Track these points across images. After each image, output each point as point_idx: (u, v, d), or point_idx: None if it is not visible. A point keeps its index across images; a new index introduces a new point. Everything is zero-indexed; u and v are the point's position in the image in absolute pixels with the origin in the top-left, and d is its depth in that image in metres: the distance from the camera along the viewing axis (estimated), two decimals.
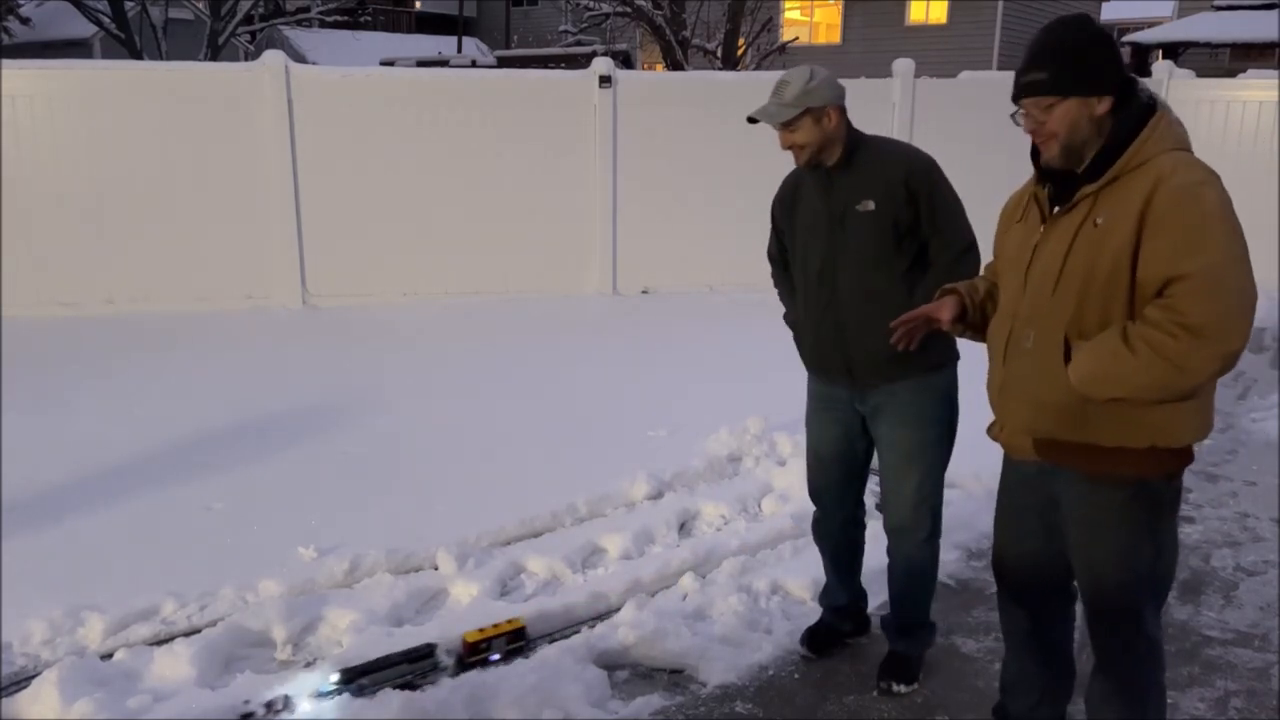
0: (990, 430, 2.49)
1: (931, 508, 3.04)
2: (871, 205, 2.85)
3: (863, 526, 3.29)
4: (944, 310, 2.51)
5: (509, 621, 3.27)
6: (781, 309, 3.30)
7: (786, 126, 2.86)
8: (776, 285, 3.29)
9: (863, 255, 2.89)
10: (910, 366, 2.88)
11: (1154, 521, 2.27)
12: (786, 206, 3.10)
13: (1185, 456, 2.25)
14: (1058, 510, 2.38)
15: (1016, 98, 2.21)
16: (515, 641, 3.25)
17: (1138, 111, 2.17)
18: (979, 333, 2.54)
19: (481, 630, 3.22)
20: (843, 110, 2.89)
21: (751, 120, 2.91)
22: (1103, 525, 2.29)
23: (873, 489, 3.33)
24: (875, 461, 3.13)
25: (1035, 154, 2.31)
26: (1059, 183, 2.26)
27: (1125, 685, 2.39)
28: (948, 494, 4.42)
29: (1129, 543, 2.27)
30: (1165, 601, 2.39)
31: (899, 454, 3.00)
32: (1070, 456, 2.28)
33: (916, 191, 2.83)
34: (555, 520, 4.22)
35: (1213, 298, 1.99)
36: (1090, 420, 2.21)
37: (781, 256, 3.20)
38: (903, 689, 3.10)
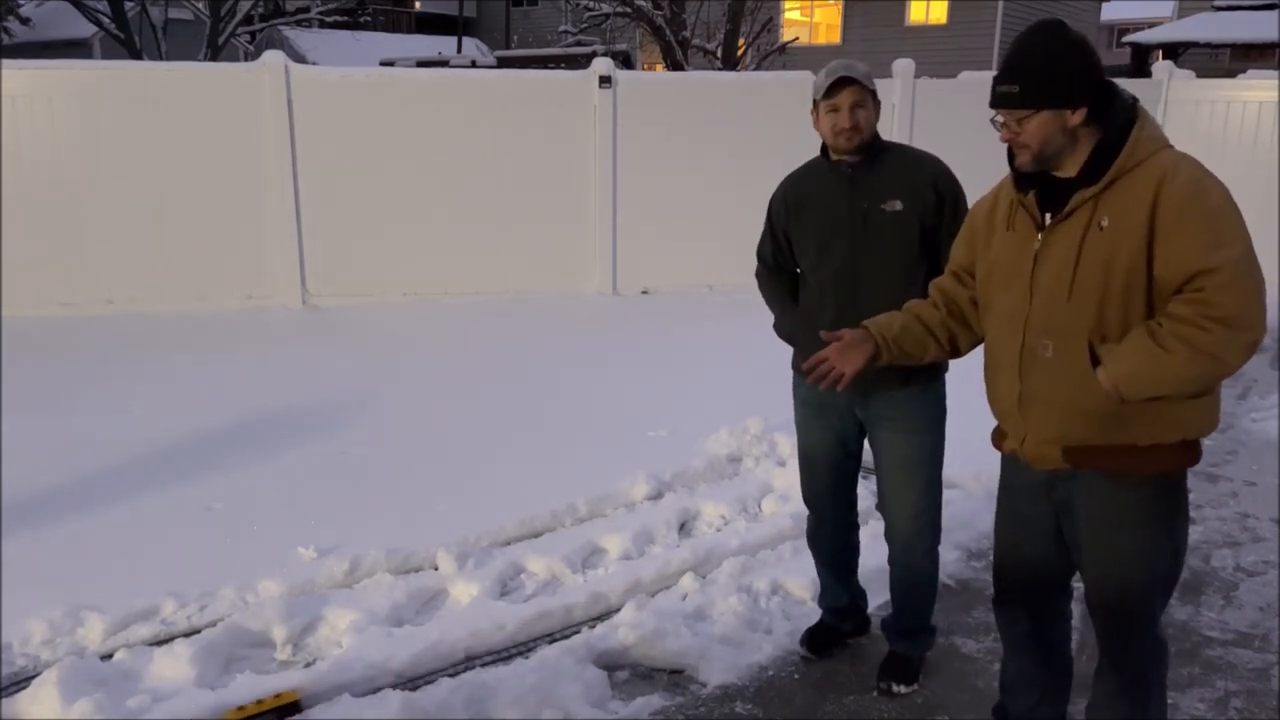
0: (1002, 443, 2.45)
1: (932, 516, 3.03)
2: (899, 205, 2.83)
3: (857, 528, 3.29)
4: (859, 357, 2.49)
5: (276, 696, 2.95)
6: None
7: (857, 99, 2.80)
8: (761, 286, 3.23)
9: (888, 256, 2.86)
10: (915, 374, 2.87)
11: (1172, 519, 2.29)
12: (789, 206, 3.03)
13: (1198, 449, 2.27)
14: (1069, 514, 2.36)
15: (992, 105, 2.22)
16: (287, 715, 2.93)
17: (1124, 113, 2.18)
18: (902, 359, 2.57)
19: (242, 709, 2.90)
20: None
21: (833, 89, 2.79)
22: (1125, 526, 2.28)
23: (871, 489, 3.33)
24: (867, 461, 3.13)
25: (1012, 158, 2.30)
26: (1046, 189, 2.25)
27: (1131, 685, 2.39)
28: (948, 494, 4.44)
29: (1150, 542, 2.28)
30: (1167, 603, 2.39)
31: (899, 461, 2.98)
32: (1101, 459, 2.26)
33: (944, 196, 2.84)
34: (555, 520, 4.22)
35: (1240, 289, 2.03)
36: (1126, 421, 2.20)
37: (775, 259, 3.14)
38: (903, 689, 3.10)
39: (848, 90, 2.80)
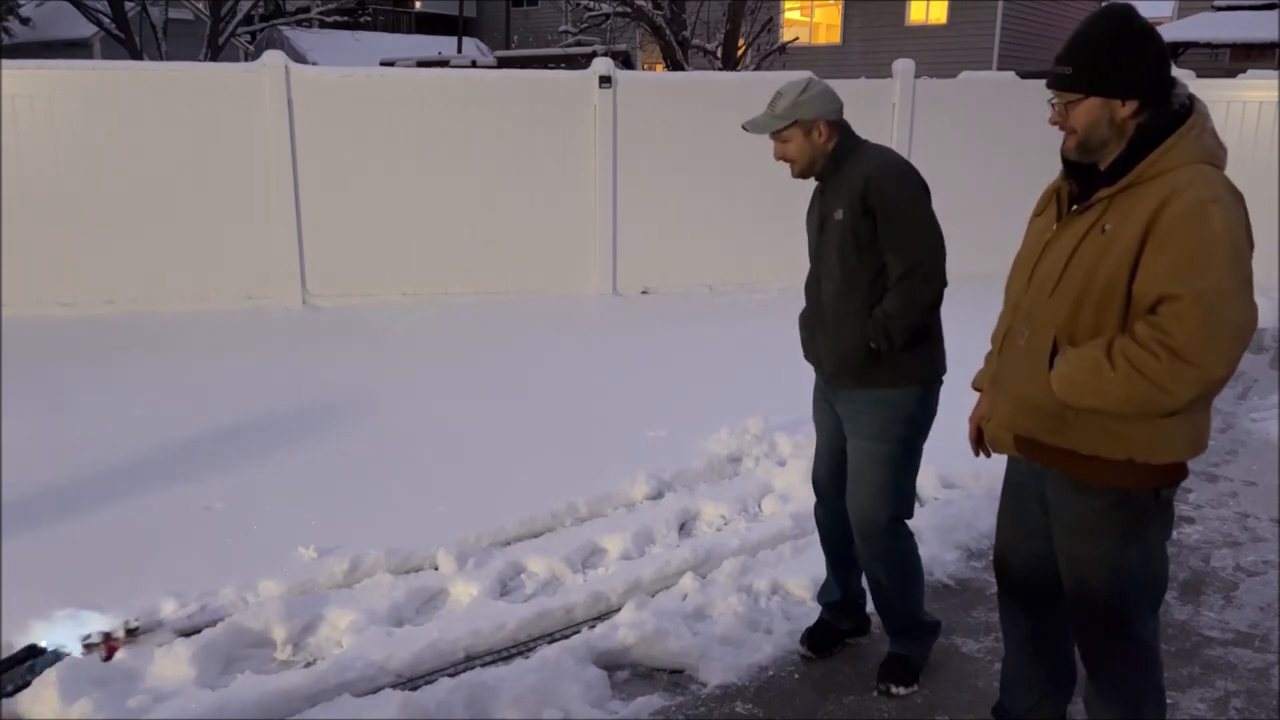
0: (983, 423, 2.52)
1: (882, 522, 3.00)
2: (840, 214, 2.88)
3: None
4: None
5: None
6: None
7: (776, 137, 2.92)
8: None
9: (834, 264, 2.93)
10: (873, 377, 2.90)
11: (1137, 530, 2.25)
12: (807, 210, 3.16)
13: (1172, 472, 2.21)
14: (1049, 514, 2.38)
15: (1046, 85, 2.22)
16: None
17: (1167, 118, 2.12)
18: None
19: None
20: (835, 124, 2.90)
21: (745, 129, 2.97)
22: (1085, 530, 2.29)
23: None
24: None
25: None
26: (1082, 180, 2.25)
27: (1116, 688, 2.38)
28: (948, 494, 4.45)
29: (1111, 548, 2.27)
30: (1159, 605, 2.38)
31: (853, 464, 3.02)
32: (1048, 458, 2.29)
33: (873, 206, 2.82)
34: (555, 520, 4.22)
35: (1201, 323, 1.97)
36: (1069, 426, 2.21)
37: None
38: (901, 690, 3.09)
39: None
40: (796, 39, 20.37)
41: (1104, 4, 2.25)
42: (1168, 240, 2.02)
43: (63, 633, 3.25)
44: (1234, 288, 1.99)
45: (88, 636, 3.22)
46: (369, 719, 2.86)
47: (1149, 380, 2.02)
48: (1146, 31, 2.14)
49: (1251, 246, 2.07)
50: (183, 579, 3.61)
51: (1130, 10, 2.16)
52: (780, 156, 2.96)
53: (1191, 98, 2.17)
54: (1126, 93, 2.12)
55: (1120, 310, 2.12)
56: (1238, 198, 2.07)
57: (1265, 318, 7.59)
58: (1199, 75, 9.34)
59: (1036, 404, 2.25)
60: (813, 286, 3.07)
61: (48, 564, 3.75)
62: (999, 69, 19.07)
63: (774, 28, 20.40)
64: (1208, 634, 3.45)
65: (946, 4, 22.20)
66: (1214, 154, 2.13)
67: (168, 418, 5.37)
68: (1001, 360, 2.39)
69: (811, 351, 3.11)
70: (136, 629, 3.30)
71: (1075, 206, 2.25)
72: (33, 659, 3.12)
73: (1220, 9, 19.85)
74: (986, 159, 8.74)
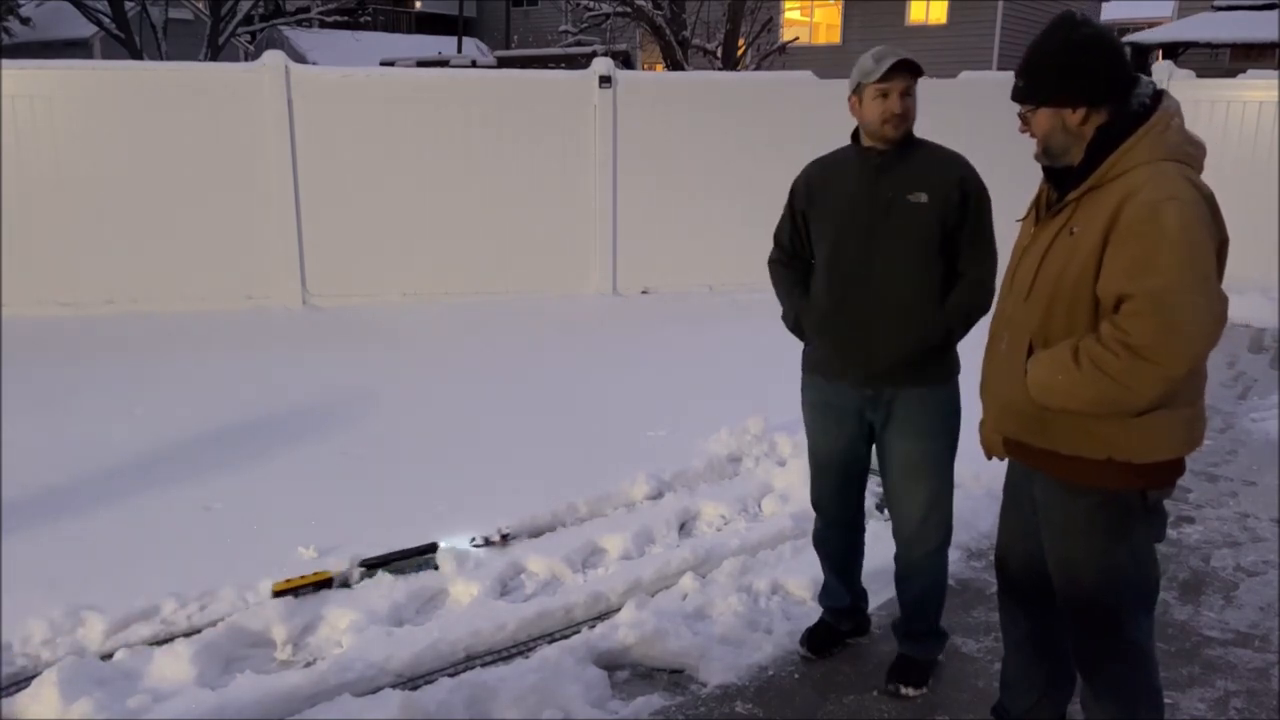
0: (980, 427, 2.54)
1: (941, 519, 3.01)
2: (924, 197, 2.78)
3: (862, 530, 3.28)
4: None
5: (316, 574, 3.63)
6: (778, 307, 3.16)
7: (909, 85, 2.80)
8: (773, 274, 3.15)
9: (907, 247, 2.81)
10: (926, 373, 2.87)
11: (1123, 531, 2.25)
12: (812, 188, 2.99)
13: (1159, 472, 2.21)
14: (1039, 512, 2.40)
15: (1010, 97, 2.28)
16: (323, 586, 3.60)
17: (1127, 119, 2.14)
18: None
19: (289, 580, 3.58)
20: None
21: (889, 74, 2.75)
22: (1072, 531, 2.30)
23: (873, 489, 3.33)
24: (874, 463, 3.11)
25: None
26: (1058, 184, 2.27)
27: (1112, 689, 2.38)
28: None
29: (1098, 548, 2.27)
30: (1153, 606, 2.38)
31: (909, 465, 2.96)
32: (1034, 459, 2.31)
33: (969, 196, 2.79)
34: (555, 520, 4.22)
35: (1157, 320, 1.98)
36: (1050, 427, 2.23)
37: (791, 244, 3.09)
38: (911, 692, 3.08)
39: (901, 76, 2.76)
40: (796, 39, 20.37)
41: (1059, 13, 2.28)
42: (1125, 240, 2.05)
43: (457, 535, 3.93)
44: (1190, 285, 1.99)
45: (474, 539, 3.89)
46: (369, 719, 2.86)
47: (1112, 379, 2.04)
48: (1092, 39, 2.16)
49: (1224, 241, 2.09)
50: (183, 579, 3.61)
51: (1073, 20, 2.19)
52: (900, 111, 2.80)
53: (1157, 94, 2.18)
54: (1074, 102, 2.15)
55: (1089, 312, 2.14)
56: (1200, 194, 2.07)
57: (1265, 318, 7.61)
58: (1199, 75, 9.34)
59: (1018, 407, 2.27)
60: (857, 275, 2.85)
61: (48, 564, 3.75)
62: (999, 69, 19.06)
63: (774, 28, 20.41)
64: (1208, 634, 3.45)
65: (946, 4, 22.21)
66: (1180, 150, 2.13)
67: (168, 418, 5.36)
68: (988, 364, 2.41)
69: (853, 355, 2.89)
70: (508, 535, 3.92)
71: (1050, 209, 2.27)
72: (430, 553, 3.78)
73: (1220, 9, 19.86)
74: (987, 159, 8.64)
